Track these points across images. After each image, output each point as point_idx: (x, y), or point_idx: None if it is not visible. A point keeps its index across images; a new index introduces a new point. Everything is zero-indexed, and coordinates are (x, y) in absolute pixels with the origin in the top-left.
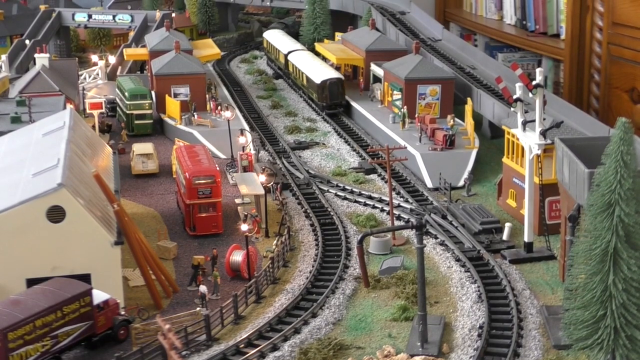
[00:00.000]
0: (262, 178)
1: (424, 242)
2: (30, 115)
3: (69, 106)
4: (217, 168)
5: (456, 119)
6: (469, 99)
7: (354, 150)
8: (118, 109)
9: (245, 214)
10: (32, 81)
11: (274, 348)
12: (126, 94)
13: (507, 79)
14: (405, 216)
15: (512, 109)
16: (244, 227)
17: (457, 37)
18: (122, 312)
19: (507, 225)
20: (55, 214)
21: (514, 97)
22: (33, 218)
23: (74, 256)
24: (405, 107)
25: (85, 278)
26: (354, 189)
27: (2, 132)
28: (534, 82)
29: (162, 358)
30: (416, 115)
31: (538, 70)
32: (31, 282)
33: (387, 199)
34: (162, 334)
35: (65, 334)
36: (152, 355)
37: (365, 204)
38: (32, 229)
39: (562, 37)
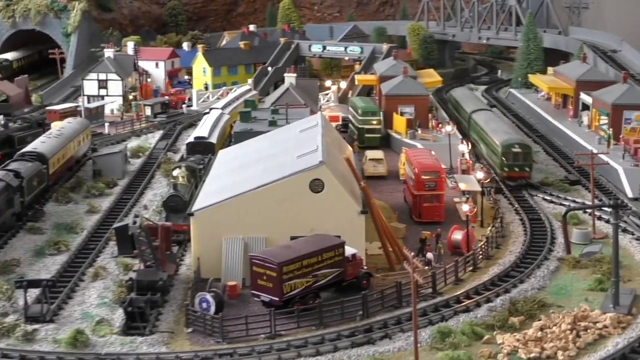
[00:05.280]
0: (480, 175)
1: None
2: (287, 119)
3: (319, 112)
4: (443, 166)
5: None
6: None
7: (561, 166)
8: (350, 124)
9: (467, 196)
10: (282, 95)
11: (488, 300)
12: (359, 111)
13: None
14: (606, 217)
15: None
16: (465, 207)
17: None
18: (365, 267)
19: None
20: (316, 185)
21: None
22: (298, 188)
23: (328, 220)
24: (611, 129)
25: None
26: (560, 195)
27: (261, 132)
28: None
29: (396, 301)
30: (621, 136)
31: None
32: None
33: (590, 204)
34: (407, 262)
35: (323, 275)
36: (389, 298)
37: (570, 206)
38: (297, 197)
39: None
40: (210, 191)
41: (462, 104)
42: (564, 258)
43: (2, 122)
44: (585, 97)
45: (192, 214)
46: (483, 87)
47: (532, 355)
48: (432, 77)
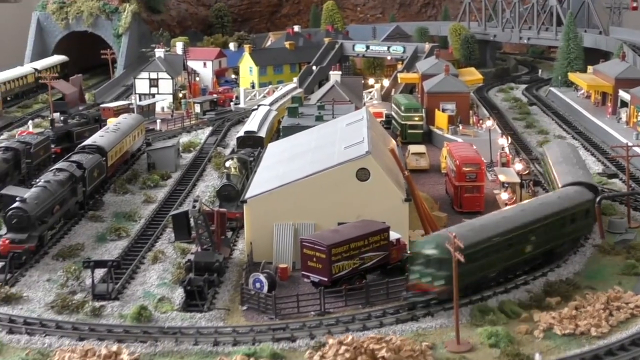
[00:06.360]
0: (519, 166)
1: None
2: (333, 114)
3: (364, 107)
4: (483, 159)
5: None
6: None
7: (599, 160)
8: (393, 121)
9: (506, 185)
10: (328, 92)
11: (525, 283)
12: (402, 107)
13: None
14: None
15: None
16: (504, 195)
17: None
18: (409, 252)
19: None
20: (363, 174)
21: None
22: (345, 177)
23: (373, 208)
24: None
25: None
26: (597, 187)
27: (308, 126)
28: None
29: None
30: None
31: None
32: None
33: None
34: (449, 243)
35: (369, 258)
36: None
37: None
38: (344, 185)
39: None
40: (261, 180)
41: (555, 169)
42: (599, 245)
43: (62, 118)
44: (623, 95)
45: (245, 202)
46: (524, 86)
47: (567, 331)
48: (472, 75)
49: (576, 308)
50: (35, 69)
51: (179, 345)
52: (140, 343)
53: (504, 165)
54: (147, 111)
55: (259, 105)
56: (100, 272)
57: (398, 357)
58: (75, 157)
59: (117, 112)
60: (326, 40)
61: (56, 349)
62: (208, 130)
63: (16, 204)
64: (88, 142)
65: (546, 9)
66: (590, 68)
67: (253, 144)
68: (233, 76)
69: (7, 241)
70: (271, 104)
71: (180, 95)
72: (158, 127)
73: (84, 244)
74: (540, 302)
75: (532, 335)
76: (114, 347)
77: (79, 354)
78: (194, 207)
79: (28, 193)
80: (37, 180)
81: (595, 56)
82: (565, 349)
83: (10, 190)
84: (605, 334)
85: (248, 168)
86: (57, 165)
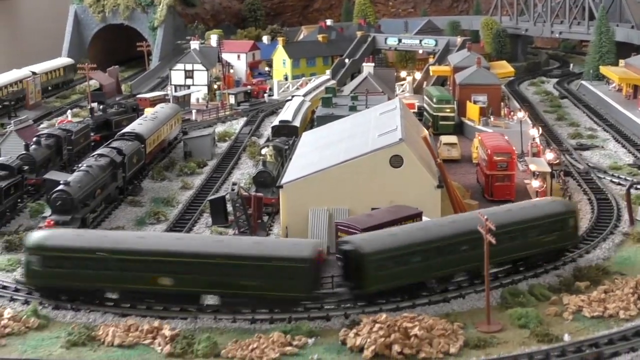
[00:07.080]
0: (550, 156)
1: None
2: (367, 104)
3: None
4: (514, 148)
5: None
6: None
7: (630, 152)
8: (425, 112)
9: (537, 173)
10: (361, 83)
11: (555, 268)
12: (434, 99)
13: None
14: None
15: None
16: (535, 183)
17: None
18: None
19: None
20: (396, 161)
21: None
22: (379, 163)
23: (406, 194)
24: None
25: None
26: (628, 178)
27: (342, 116)
28: None
29: None
30: None
31: None
32: None
33: None
34: (481, 226)
35: None
36: None
37: (637, 188)
38: (378, 171)
39: None
40: (297, 167)
41: None
42: (629, 233)
43: (101, 107)
44: None
45: (281, 187)
46: (555, 80)
47: (596, 314)
48: (504, 68)
49: (605, 292)
50: (33, 72)
51: (217, 323)
52: (181, 320)
53: (534, 155)
54: (183, 102)
55: (293, 96)
56: None
57: (430, 335)
58: (115, 144)
59: (153, 102)
60: (358, 33)
61: (100, 324)
62: (242, 121)
63: (60, 187)
64: (127, 129)
65: (578, 3)
66: (621, 61)
67: (288, 132)
68: (266, 68)
69: (52, 222)
70: (305, 95)
71: (215, 86)
72: (193, 117)
73: (124, 227)
74: (569, 286)
75: (562, 317)
76: (156, 323)
77: (122, 328)
78: (232, 190)
79: (71, 177)
80: (80, 165)
81: (626, 50)
82: (593, 330)
83: (53, 175)
84: (634, 317)
85: (283, 156)
86: (98, 151)
